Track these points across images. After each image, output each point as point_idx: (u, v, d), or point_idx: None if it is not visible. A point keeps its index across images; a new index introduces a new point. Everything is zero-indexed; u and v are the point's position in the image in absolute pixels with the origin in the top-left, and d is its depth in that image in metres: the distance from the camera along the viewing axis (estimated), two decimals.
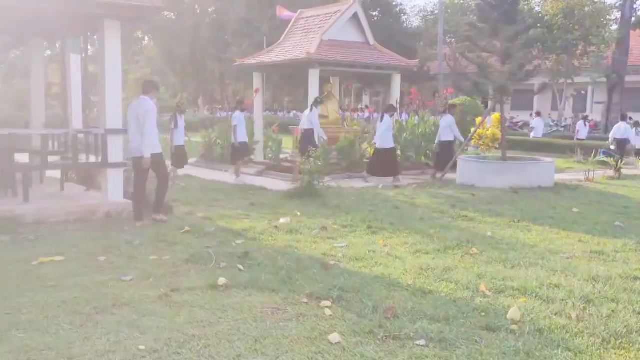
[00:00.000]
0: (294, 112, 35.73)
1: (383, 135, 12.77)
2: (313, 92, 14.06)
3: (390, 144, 12.90)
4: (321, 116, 14.67)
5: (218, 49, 41.07)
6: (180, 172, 12.91)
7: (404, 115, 37.42)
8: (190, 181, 12.58)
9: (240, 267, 5.87)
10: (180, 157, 12.57)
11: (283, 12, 27.90)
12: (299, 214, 8.74)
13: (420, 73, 33.25)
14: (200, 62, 44.08)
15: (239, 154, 13.13)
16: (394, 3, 44.60)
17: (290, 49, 15.11)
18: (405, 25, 46.24)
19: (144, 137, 7.91)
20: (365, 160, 14.46)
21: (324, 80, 15.50)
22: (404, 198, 10.55)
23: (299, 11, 16.57)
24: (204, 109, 47.81)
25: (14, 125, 13.81)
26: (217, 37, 41.90)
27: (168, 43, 43.52)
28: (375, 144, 13.07)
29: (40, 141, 8.71)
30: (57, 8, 7.59)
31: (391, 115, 13.25)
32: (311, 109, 13.56)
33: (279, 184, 12.17)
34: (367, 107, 35.20)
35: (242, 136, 13.05)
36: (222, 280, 5.32)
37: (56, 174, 10.15)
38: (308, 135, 13.47)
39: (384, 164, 12.80)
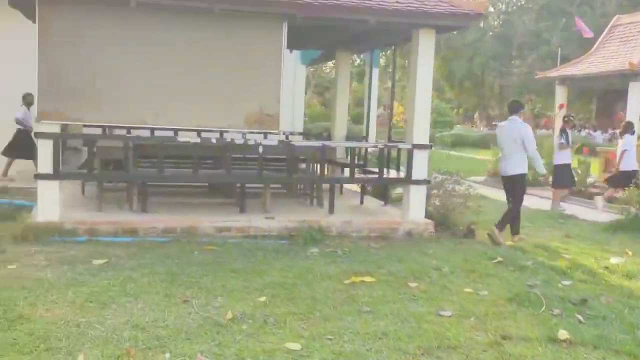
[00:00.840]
0: (587, 130, 32.13)
1: None
2: (632, 109, 12.11)
3: None
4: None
5: (501, 63, 39.55)
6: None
7: None
8: (483, 202, 11.65)
9: (580, 317, 4.84)
10: (565, 176, 11.09)
11: (580, 24, 25.51)
12: (630, 253, 7.28)
13: None
14: (479, 77, 43.02)
15: (620, 181, 11.31)
16: None
17: (604, 59, 13.30)
18: None
19: (531, 155, 7.89)
20: None
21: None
22: None
23: (615, 17, 14.59)
24: (481, 125, 46.65)
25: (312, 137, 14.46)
26: (500, 50, 40.37)
27: (447, 57, 43.32)
28: None
29: (350, 154, 8.71)
30: (376, 20, 7.39)
31: None
32: None
33: (589, 212, 10.63)
34: None
35: (630, 164, 11.22)
36: (563, 334, 4.38)
37: (353, 185, 10.15)
38: None
39: None
